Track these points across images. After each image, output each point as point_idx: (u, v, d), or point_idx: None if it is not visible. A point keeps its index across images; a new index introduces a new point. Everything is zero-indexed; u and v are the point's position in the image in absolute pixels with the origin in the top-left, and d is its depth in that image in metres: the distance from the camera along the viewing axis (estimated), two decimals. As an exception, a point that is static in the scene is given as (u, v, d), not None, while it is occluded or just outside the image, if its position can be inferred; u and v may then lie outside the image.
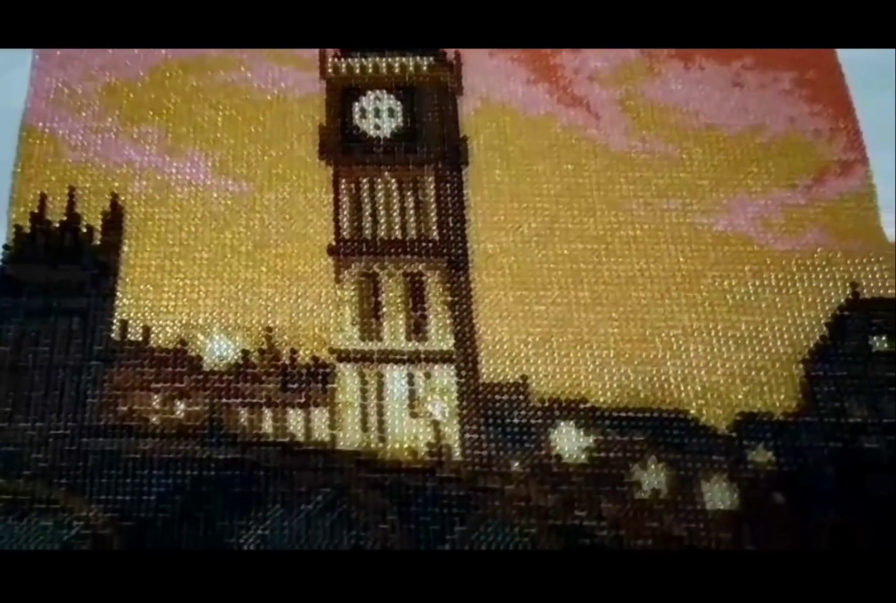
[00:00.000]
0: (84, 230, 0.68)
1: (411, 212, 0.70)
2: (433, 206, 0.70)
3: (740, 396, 0.62)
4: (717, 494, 0.59)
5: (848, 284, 0.66)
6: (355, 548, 0.58)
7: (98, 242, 0.68)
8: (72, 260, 0.68)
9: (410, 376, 0.64)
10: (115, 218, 0.69)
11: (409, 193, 0.71)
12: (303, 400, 0.63)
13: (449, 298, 0.67)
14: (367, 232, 0.69)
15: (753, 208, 0.69)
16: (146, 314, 0.65)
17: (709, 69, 0.75)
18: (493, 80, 0.75)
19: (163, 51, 0.75)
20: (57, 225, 0.69)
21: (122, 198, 0.70)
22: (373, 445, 0.61)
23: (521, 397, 0.63)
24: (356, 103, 0.74)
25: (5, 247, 0.67)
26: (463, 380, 0.64)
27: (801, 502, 0.58)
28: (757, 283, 0.66)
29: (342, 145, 0.72)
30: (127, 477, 0.60)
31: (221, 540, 0.58)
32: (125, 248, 0.68)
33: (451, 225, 0.69)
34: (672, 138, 0.72)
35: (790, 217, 0.69)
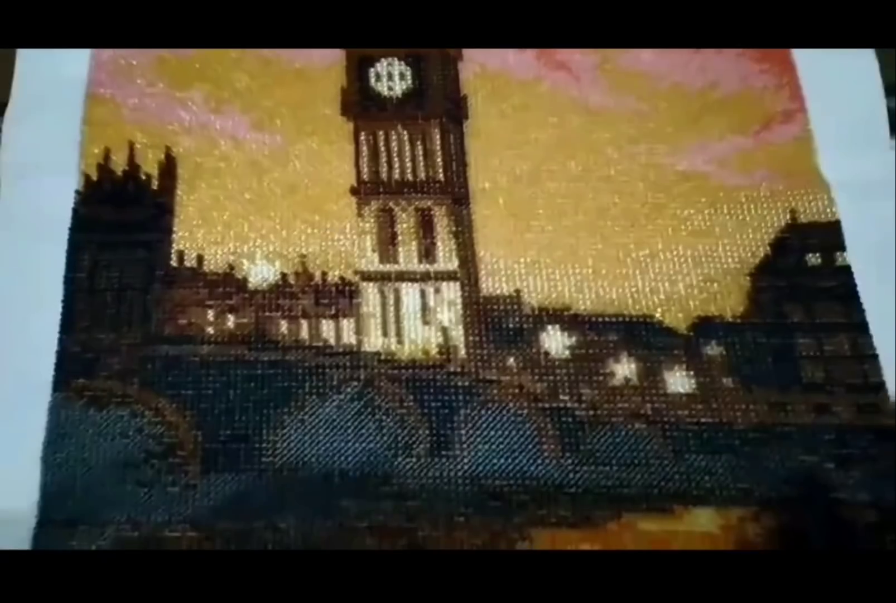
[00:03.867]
0: (143, 177, 0.74)
1: (420, 158, 0.76)
2: (439, 153, 0.76)
3: (697, 303, 0.69)
4: (678, 381, 0.67)
5: (788, 211, 0.73)
6: (378, 430, 0.66)
7: (156, 187, 0.74)
8: (135, 202, 0.73)
9: (422, 292, 0.71)
10: (169, 167, 0.74)
11: (418, 143, 0.77)
12: (333, 312, 0.70)
13: (453, 228, 0.73)
14: (383, 175, 0.75)
15: (710, 151, 0.75)
16: (199, 245, 0.72)
17: (673, 40, 0.80)
18: (488, 49, 0.80)
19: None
20: (120, 174, 0.74)
21: (175, 150, 0.75)
22: (392, 347, 0.69)
23: (515, 307, 0.70)
24: (372, 69, 0.80)
25: (77, 192, 0.73)
26: (466, 294, 0.71)
27: (745, 386, 0.67)
28: (712, 212, 0.73)
29: (361, 104, 0.78)
30: (188, 376, 0.67)
31: (271, 423, 0.65)
32: (179, 192, 0.74)
33: (454, 168, 0.76)
34: (642, 96, 0.78)
35: (741, 158, 0.75)
